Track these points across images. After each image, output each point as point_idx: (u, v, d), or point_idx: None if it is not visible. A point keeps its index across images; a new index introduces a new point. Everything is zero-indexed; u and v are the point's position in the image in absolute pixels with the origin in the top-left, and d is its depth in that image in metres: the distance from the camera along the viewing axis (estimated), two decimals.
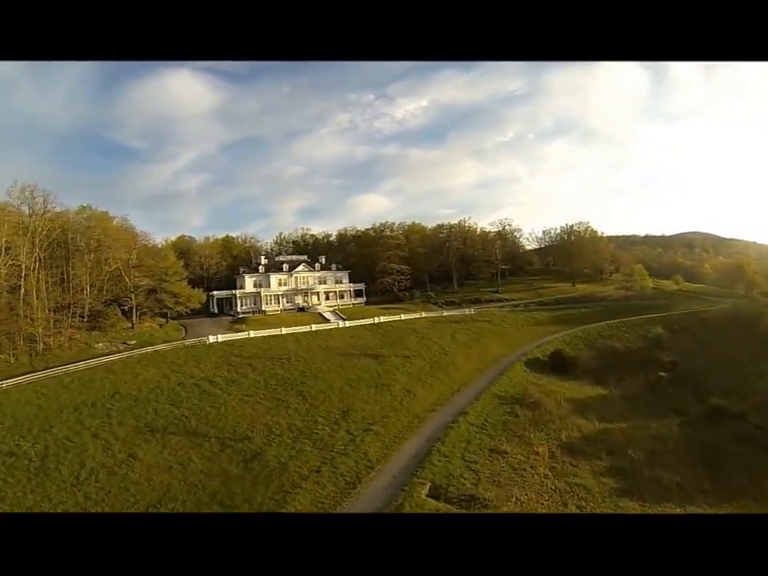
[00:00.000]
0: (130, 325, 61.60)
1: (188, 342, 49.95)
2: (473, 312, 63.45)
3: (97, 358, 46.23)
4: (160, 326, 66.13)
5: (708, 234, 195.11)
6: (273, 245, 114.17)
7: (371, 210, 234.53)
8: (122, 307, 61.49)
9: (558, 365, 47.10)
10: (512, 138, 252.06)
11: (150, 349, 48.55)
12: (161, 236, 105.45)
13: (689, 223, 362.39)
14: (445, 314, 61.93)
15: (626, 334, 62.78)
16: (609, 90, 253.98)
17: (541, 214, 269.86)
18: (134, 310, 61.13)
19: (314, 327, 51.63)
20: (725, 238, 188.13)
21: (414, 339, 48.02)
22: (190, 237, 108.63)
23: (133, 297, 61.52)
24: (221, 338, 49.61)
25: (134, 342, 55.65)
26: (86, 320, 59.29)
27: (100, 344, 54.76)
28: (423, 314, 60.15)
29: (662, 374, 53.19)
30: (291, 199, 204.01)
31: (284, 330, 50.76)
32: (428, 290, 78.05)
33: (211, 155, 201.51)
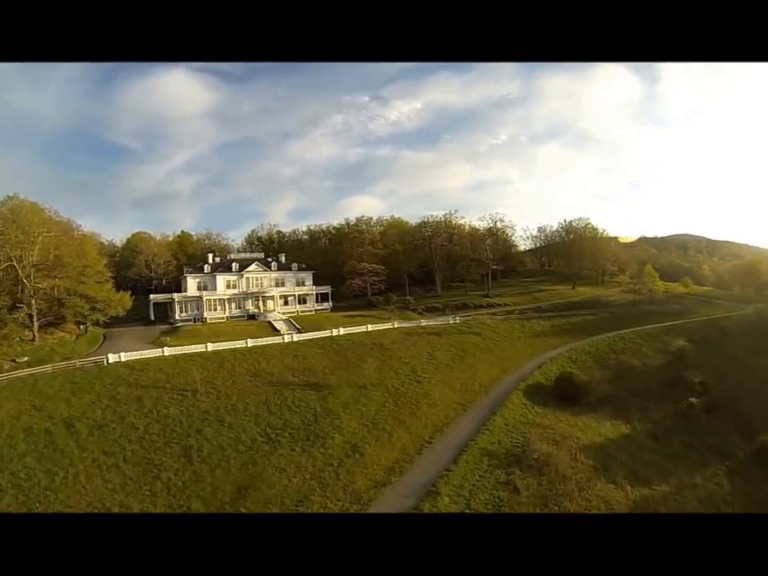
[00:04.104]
0: (32, 336, 49.35)
1: (81, 362, 37.75)
2: (458, 321, 51.86)
3: None
4: (78, 336, 53.90)
5: (698, 236, 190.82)
6: (244, 243, 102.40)
7: (363, 211, 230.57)
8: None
9: (566, 392, 35.94)
10: (505, 141, 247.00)
11: (25, 372, 36.52)
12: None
13: (679, 225, 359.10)
14: (423, 323, 50.09)
15: (642, 348, 52.03)
16: (601, 94, 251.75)
17: (532, 216, 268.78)
18: (34, 319, 48.80)
19: (251, 342, 39.59)
20: (717, 240, 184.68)
21: (377, 359, 36.16)
22: (146, 233, 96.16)
23: (33, 302, 49.37)
24: (124, 356, 37.53)
25: (25, 359, 43.41)
26: None
27: None
28: (396, 324, 48.33)
29: (693, 399, 42.42)
30: (283, 200, 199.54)
31: (210, 347, 38.71)
32: (407, 294, 66.26)
33: (205, 156, 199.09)
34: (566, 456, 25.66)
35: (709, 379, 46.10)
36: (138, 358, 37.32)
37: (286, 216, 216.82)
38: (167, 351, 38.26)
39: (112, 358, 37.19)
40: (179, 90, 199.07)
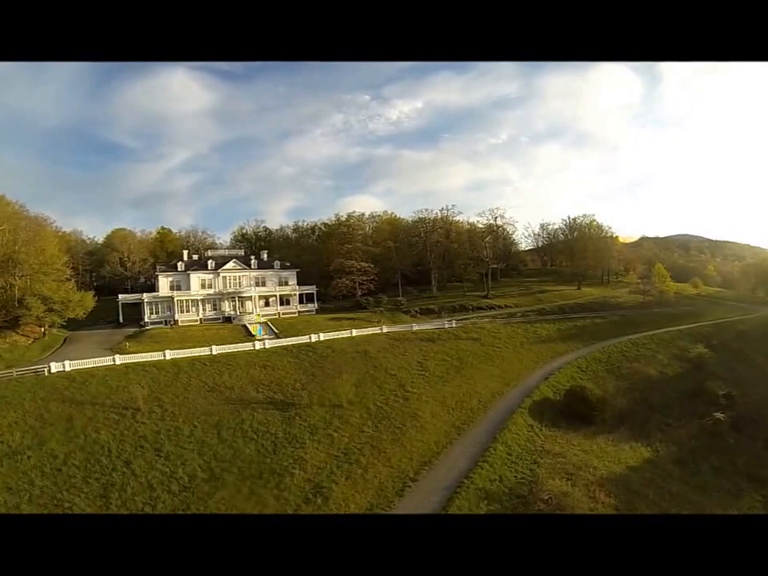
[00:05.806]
0: None
1: (19, 372, 32.72)
2: (454, 325, 46.95)
3: None
4: (35, 339, 48.98)
5: (699, 236, 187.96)
6: (231, 240, 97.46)
7: (362, 211, 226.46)
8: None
9: (578, 409, 31.11)
10: (505, 141, 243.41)
11: None
12: None
13: (679, 225, 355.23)
14: (415, 327, 45.04)
15: (657, 355, 47.24)
16: (602, 94, 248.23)
17: (533, 216, 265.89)
18: None
19: (216, 350, 34.64)
20: (718, 241, 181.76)
21: (358, 371, 31.22)
22: (126, 230, 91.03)
23: None
24: (69, 365, 32.56)
25: None
26: None
27: None
28: (385, 329, 43.35)
29: (719, 415, 37.48)
30: (282, 200, 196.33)
31: (168, 354, 33.73)
32: (399, 295, 61.31)
33: (204, 155, 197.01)
34: (583, 495, 20.79)
35: (732, 390, 41.39)
36: (84, 367, 32.36)
37: (285, 215, 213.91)
38: (119, 360, 33.29)
39: (55, 367, 32.23)
40: (179, 89, 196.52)
